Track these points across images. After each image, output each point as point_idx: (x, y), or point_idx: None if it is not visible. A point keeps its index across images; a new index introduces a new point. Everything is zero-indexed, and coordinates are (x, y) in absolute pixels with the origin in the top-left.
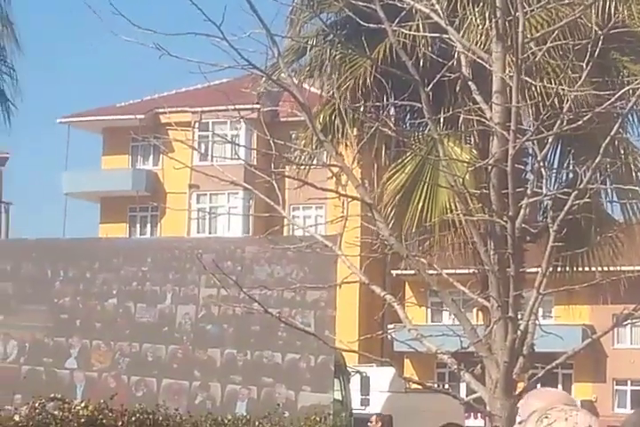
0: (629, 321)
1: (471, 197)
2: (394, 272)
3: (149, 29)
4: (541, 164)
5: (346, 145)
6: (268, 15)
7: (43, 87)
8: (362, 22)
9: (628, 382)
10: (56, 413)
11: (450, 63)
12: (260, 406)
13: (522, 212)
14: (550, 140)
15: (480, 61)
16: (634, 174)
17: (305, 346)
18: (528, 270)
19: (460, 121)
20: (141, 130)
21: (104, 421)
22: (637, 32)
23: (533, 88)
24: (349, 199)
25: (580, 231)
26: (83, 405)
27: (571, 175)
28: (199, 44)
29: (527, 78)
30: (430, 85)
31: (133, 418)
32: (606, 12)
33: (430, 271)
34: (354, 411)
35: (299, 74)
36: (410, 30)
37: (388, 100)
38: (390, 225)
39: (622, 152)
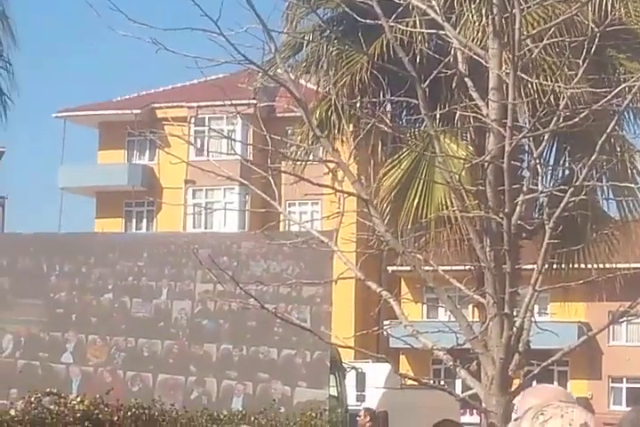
0: (625, 318)
1: (467, 193)
2: (390, 268)
3: (146, 24)
4: (537, 161)
5: (342, 141)
6: (264, 10)
7: (39, 83)
8: (358, 18)
9: (624, 380)
10: (52, 407)
11: (446, 60)
12: (255, 401)
13: (518, 208)
14: (546, 137)
15: (477, 58)
16: (629, 172)
17: (301, 342)
18: (524, 267)
19: (457, 117)
20: (138, 125)
21: (100, 415)
22: (634, 29)
23: (530, 85)
24: (345, 195)
25: (575, 228)
26: (78, 399)
27: (567, 172)
28: (196, 39)
29: (524, 75)
30: (427, 82)
31: (129, 413)
32: (603, 9)
33: (426, 268)
34: (349, 407)
35: (295, 69)
36: (406, 26)
37: (384, 96)
38: (386, 221)
39: (618, 149)
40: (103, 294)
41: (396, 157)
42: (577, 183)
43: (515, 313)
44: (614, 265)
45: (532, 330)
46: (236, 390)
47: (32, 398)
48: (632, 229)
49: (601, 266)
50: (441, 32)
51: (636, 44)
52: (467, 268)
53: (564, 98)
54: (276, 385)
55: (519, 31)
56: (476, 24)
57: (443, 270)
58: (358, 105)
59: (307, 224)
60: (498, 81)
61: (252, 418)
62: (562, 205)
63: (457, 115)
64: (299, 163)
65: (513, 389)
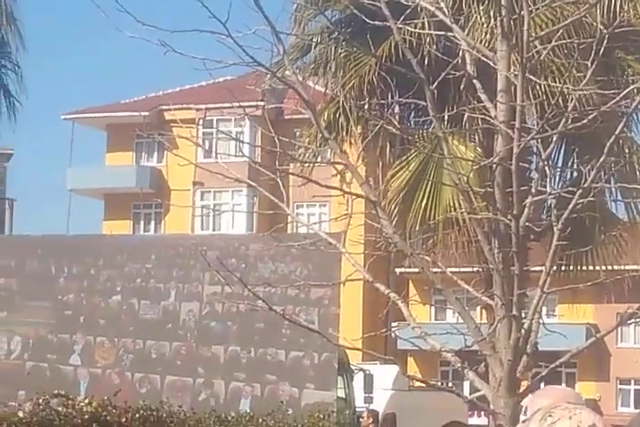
0: (633, 320)
1: (475, 195)
2: (397, 270)
3: (154, 26)
4: (546, 162)
5: (350, 143)
6: (272, 12)
7: (47, 85)
8: (367, 20)
9: (632, 382)
10: (60, 409)
11: (455, 61)
12: (263, 403)
13: (526, 210)
14: (555, 138)
15: (485, 60)
16: (638, 173)
17: (309, 343)
18: (532, 269)
19: (465, 119)
20: (146, 127)
21: (108, 417)
22: None
23: (538, 87)
24: (353, 197)
25: (584, 230)
26: (86, 401)
27: (575, 174)
28: (204, 41)
29: (532, 77)
30: (435, 83)
31: (137, 415)
32: (611, 10)
33: (434, 269)
34: (357, 409)
35: (303, 71)
36: (415, 28)
37: (392, 97)
38: (394, 223)
39: (627, 151)
40: (111, 296)
41: (404, 158)
42: (585, 185)
43: (523, 315)
44: (622, 267)
45: (540, 332)
46: (243, 392)
47: (40, 400)
48: None
49: (609, 268)
50: (449, 34)
51: None
52: (475, 269)
53: (572, 99)
54: (283, 387)
55: (527, 33)
56: (485, 26)
57: (451, 272)
58: (366, 107)
59: (315, 226)
60: (506, 83)
61: (260, 420)
62: (570, 206)
63: (465, 116)
64: (307, 165)
65: (521, 391)
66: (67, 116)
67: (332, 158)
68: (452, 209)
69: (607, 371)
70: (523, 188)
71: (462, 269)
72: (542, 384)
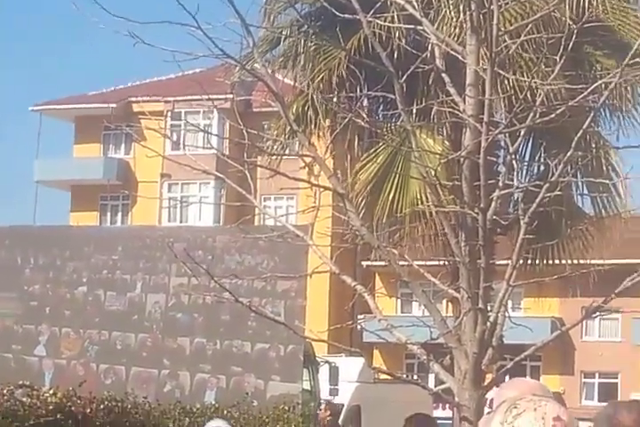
0: (598, 314)
1: (443, 188)
2: (364, 263)
3: (124, 17)
4: (513, 156)
5: (318, 136)
6: (242, 5)
7: (15, 77)
8: (337, 13)
9: (596, 375)
10: (24, 399)
11: (424, 55)
12: (228, 395)
13: (493, 204)
14: (522, 133)
15: (454, 54)
16: (604, 168)
17: (274, 336)
18: (498, 262)
19: (433, 113)
20: (114, 118)
21: (72, 408)
22: (611, 27)
23: (507, 81)
24: (321, 189)
25: (550, 224)
26: (51, 392)
27: (542, 168)
28: (174, 33)
29: (501, 71)
30: (404, 77)
31: (102, 406)
32: (580, 6)
33: (401, 262)
34: (322, 401)
35: (272, 64)
36: (384, 22)
37: (361, 91)
38: (361, 215)
39: (593, 146)
40: (77, 288)
41: (372, 151)
42: (552, 179)
43: (489, 308)
44: (588, 261)
45: (505, 325)
46: (209, 384)
47: (4, 391)
48: (606, 225)
49: (575, 262)
50: (419, 27)
51: (613, 41)
52: (441, 263)
53: (540, 94)
54: (249, 379)
55: (497, 27)
56: (454, 20)
57: (417, 265)
58: (335, 100)
59: (282, 218)
60: (475, 77)
61: (225, 411)
62: (537, 200)
63: (434, 110)
64: (275, 157)
65: (486, 383)
66: (34, 107)
67: (301, 151)
68: (420, 202)
69: (571, 364)
70: (490, 181)
71: (429, 263)
72: (507, 377)
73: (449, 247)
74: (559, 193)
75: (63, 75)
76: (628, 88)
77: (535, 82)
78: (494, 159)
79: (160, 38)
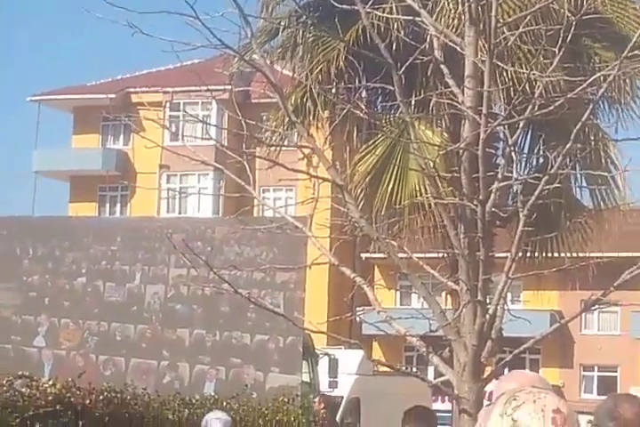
0: (597, 307)
1: (442, 180)
2: (363, 255)
3: (122, 7)
4: (512, 148)
5: (317, 127)
6: None
7: (13, 67)
8: (335, 4)
9: (595, 368)
10: (23, 390)
11: (422, 46)
12: (228, 386)
13: (492, 196)
14: (521, 125)
15: (452, 45)
16: (603, 160)
17: (274, 327)
18: (497, 255)
19: (432, 104)
20: (112, 109)
21: (72, 399)
22: (610, 19)
23: (505, 73)
24: (320, 181)
25: (549, 216)
26: (50, 383)
27: (541, 160)
28: (172, 23)
29: (499, 63)
30: (403, 68)
31: (101, 397)
32: None
33: (400, 254)
34: (321, 393)
35: (271, 55)
36: (383, 13)
37: (360, 82)
38: (360, 207)
39: (592, 138)
40: (76, 278)
41: (370, 143)
42: (551, 171)
43: (488, 300)
44: (587, 254)
45: (504, 318)
46: (208, 375)
47: (4, 382)
48: (605, 218)
49: (574, 255)
50: (417, 19)
51: (612, 34)
52: (440, 255)
53: (539, 86)
54: (248, 370)
55: (495, 19)
56: (453, 11)
57: (416, 257)
58: (334, 91)
59: (281, 210)
60: (473, 68)
61: (225, 403)
62: (536, 192)
63: (432, 102)
64: (274, 148)
65: (485, 376)
66: (33, 98)
67: (299, 142)
68: (419, 194)
69: (571, 357)
70: (489, 173)
71: (428, 255)
72: (506, 370)
73: (448, 239)
74: (558, 185)
75: (62, 65)
76: (627, 80)
77: (534, 74)
78: (493, 151)
79: (158, 28)
